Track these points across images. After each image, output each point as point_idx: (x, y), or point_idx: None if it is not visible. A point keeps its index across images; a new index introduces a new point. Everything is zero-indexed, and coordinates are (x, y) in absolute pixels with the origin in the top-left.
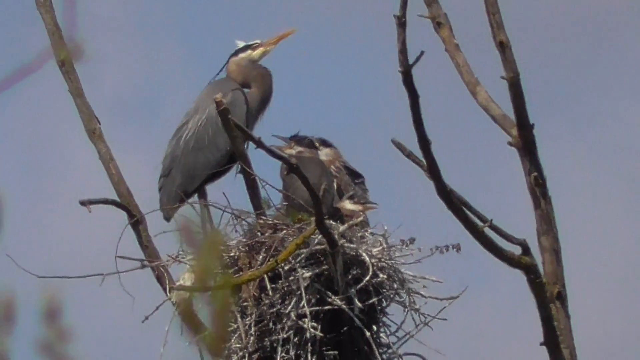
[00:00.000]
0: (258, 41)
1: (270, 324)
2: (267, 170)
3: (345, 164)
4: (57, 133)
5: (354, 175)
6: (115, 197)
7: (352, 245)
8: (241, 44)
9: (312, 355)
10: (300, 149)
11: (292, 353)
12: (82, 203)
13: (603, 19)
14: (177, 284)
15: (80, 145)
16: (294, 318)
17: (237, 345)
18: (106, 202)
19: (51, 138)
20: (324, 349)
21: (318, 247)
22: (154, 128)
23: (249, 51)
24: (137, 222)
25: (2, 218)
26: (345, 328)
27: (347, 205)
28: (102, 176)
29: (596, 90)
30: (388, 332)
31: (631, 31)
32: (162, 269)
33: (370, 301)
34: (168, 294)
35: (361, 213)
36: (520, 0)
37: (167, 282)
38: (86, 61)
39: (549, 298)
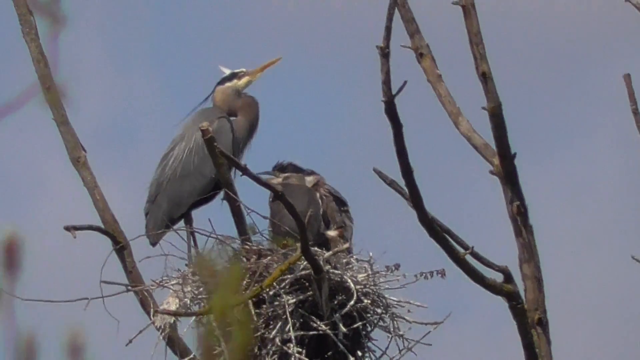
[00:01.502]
0: (243, 69)
1: (255, 349)
2: (254, 196)
3: (331, 190)
4: (41, 160)
5: (340, 202)
6: (100, 224)
7: (337, 272)
8: (227, 71)
9: None
10: (285, 175)
11: None
12: (67, 229)
13: (585, 49)
14: (161, 308)
15: (65, 172)
16: (279, 343)
17: None
18: (91, 228)
19: (35, 165)
20: None
21: (303, 272)
22: (137, 156)
23: (235, 80)
24: (122, 248)
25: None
26: (329, 353)
27: (331, 232)
28: (87, 203)
29: (577, 120)
30: (372, 358)
31: (612, 59)
32: (146, 294)
33: (355, 326)
34: (152, 318)
35: (340, 239)
36: (502, 32)
37: (151, 306)
38: (71, 104)
39: (530, 324)
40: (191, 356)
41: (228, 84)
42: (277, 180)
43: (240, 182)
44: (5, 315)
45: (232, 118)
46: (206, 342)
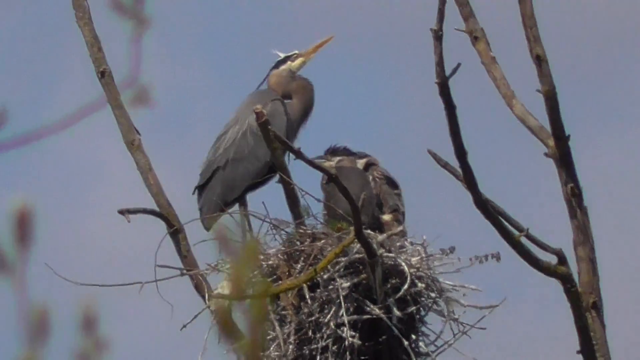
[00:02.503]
0: (296, 51)
1: (309, 333)
2: (308, 179)
3: (384, 172)
4: (96, 143)
5: (392, 185)
6: (155, 207)
7: (390, 255)
8: (281, 55)
9: None
10: (338, 158)
11: None
12: (121, 212)
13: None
14: (215, 292)
15: (119, 155)
16: (333, 327)
17: (276, 353)
18: (145, 211)
19: (89, 148)
20: (363, 357)
21: (357, 256)
22: (191, 139)
23: (289, 62)
24: (176, 231)
25: (33, 229)
26: (383, 337)
27: (385, 216)
28: (141, 187)
29: (632, 102)
30: (427, 342)
31: None
32: (200, 278)
33: (409, 310)
34: (207, 303)
35: (395, 224)
36: (557, 14)
37: (205, 291)
38: (151, 106)
39: (585, 308)
40: (245, 341)
41: (282, 67)
42: (330, 164)
43: (294, 165)
44: (17, 287)
45: (286, 101)
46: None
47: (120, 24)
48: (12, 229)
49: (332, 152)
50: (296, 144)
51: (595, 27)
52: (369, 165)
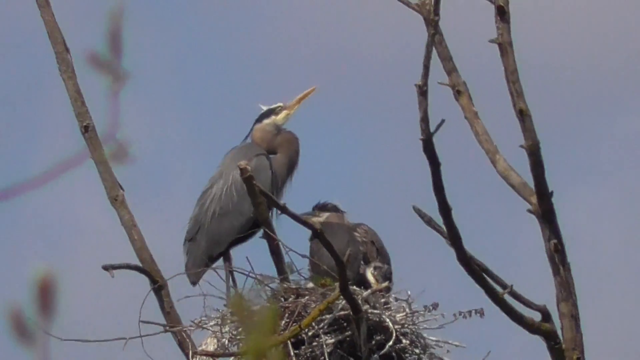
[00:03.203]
0: (280, 104)
1: None
2: (294, 235)
3: (370, 231)
4: (78, 199)
5: (379, 246)
6: (138, 263)
7: (375, 311)
8: (264, 107)
9: None
10: (326, 214)
11: None
12: (105, 268)
13: (623, 86)
14: (199, 349)
15: (102, 210)
16: None
17: None
18: (129, 267)
19: (72, 204)
20: None
21: (342, 312)
22: (173, 194)
23: (273, 116)
24: (159, 287)
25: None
26: None
27: (369, 275)
28: (124, 242)
29: (615, 157)
30: None
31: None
32: (184, 335)
33: None
34: (190, 359)
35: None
36: (540, 69)
37: (189, 348)
38: (130, 162)
39: None
40: None
41: (266, 121)
42: (317, 219)
43: (280, 221)
44: (41, 356)
45: (271, 155)
46: None
47: (99, 79)
48: (35, 299)
49: (321, 208)
50: (282, 199)
51: (577, 82)
52: (357, 226)
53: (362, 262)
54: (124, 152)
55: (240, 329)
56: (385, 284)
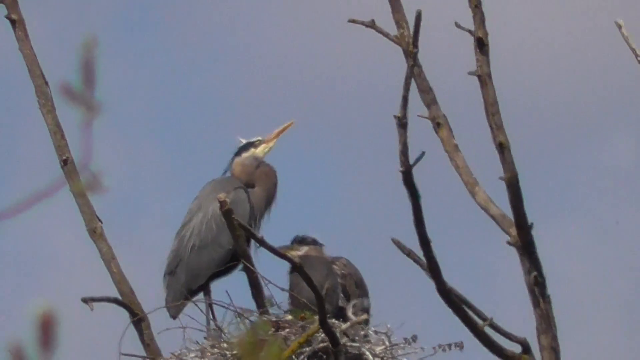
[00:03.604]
0: (259, 138)
1: None
2: (273, 269)
3: (349, 265)
4: (57, 231)
5: (358, 281)
6: (118, 296)
7: (355, 344)
8: (243, 141)
9: None
10: (305, 248)
11: None
12: (85, 301)
13: (601, 116)
14: None
15: (81, 244)
16: None
17: None
18: (108, 300)
19: (50, 236)
20: None
21: (321, 345)
22: (150, 227)
23: (252, 149)
24: (139, 320)
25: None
26: None
27: (349, 313)
28: (103, 275)
29: (594, 189)
30: None
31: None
32: None
33: None
34: None
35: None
36: (520, 101)
37: None
38: (104, 192)
39: None
40: None
41: (245, 154)
42: (296, 253)
43: (260, 254)
44: None
45: (249, 189)
46: None
47: (73, 110)
48: (36, 335)
49: (300, 241)
50: (260, 232)
51: (556, 115)
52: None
53: (341, 295)
54: (98, 183)
55: None
56: (364, 316)
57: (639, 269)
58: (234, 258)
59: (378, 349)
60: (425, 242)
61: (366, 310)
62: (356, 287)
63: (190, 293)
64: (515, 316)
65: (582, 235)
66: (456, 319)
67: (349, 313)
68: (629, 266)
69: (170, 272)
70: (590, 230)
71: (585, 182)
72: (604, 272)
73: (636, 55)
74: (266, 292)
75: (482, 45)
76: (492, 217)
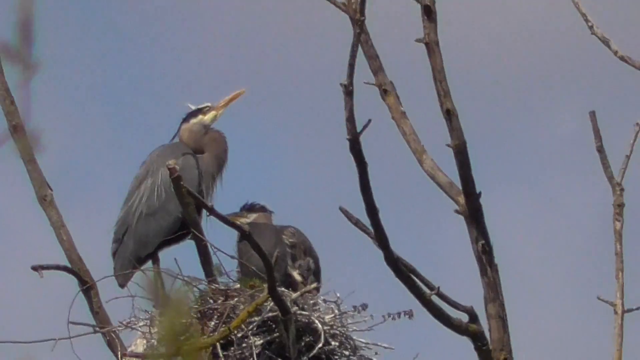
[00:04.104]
0: (209, 104)
1: None
2: (223, 237)
3: (297, 232)
4: (5, 198)
5: (305, 244)
6: (67, 263)
7: (304, 313)
8: (192, 107)
9: None
10: (254, 215)
11: None
12: (34, 268)
13: (549, 84)
14: (129, 350)
15: (31, 210)
16: None
17: None
18: (58, 268)
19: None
20: None
21: (270, 314)
22: (99, 194)
23: (200, 116)
24: (88, 288)
25: None
26: None
27: (296, 276)
28: (52, 243)
29: (542, 157)
30: None
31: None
32: (113, 335)
33: None
34: None
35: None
36: (467, 68)
37: (118, 348)
38: (42, 151)
39: None
40: None
41: (194, 120)
42: (245, 220)
43: (210, 223)
44: None
45: (198, 155)
46: None
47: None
48: None
49: (248, 209)
50: (212, 199)
51: (504, 82)
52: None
53: (289, 263)
54: (37, 142)
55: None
56: (314, 285)
57: (584, 237)
58: (183, 227)
59: (327, 318)
60: (372, 211)
61: (312, 271)
62: (305, 256)
63: (139, 261)
64: (463, 285)
65: (530, 204)
66: (404, 289)
67: (295, 273)
68: (577, 230)
69: (118, 240)
70: (535, 198)
71: (533, 150)
72: (549, 240)
73: (586, 21)
74: (215, 261)
75: (429, 12)
76: (440, 185)
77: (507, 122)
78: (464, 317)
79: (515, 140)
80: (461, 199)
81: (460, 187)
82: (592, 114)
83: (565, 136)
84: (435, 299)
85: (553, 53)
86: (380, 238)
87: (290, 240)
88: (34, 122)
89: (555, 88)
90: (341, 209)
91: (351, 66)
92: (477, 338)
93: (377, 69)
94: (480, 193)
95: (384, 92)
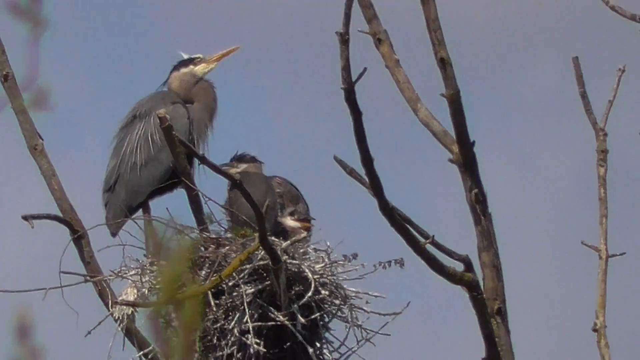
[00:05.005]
0: (200, 55)
1: (214, 340)
2: (214, 186)
3: (284, 180)
4: None
5: (294, 191)
6: (58, 213)
7: (294, 262)
8: (184, 56)
9: None
10: (244, 165)
11: None
12: (25, 218)
13: (539, 32)
14: (120, 299)
15: (21, 160)
16: (237, 334)
17: None
18: (49, 217)
19: None
20: None
21: (261, 262)
22: (89, 141)
23: (191, 66)
24: (79, 237)
25: None
26: (288, 344)
27: (288, 221)
28: (41, 191)
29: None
30: (331, 349)
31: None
32: (104, 284)
33: (313, 317)
34: (110, 309)
35: (301, 230)
36: (461, 17)
37: (109, 297)
38: (50, 109)
39: (490, 314)
40: (149, 348)
41: (184, 70)
42: (235, 170)
43: (200, 172)
44: None
45: (188, 105)
46: (164, 334)
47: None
48: None
49: (239, 159)
50: (204, 149)
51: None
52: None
53: (279, 212)
54: (44, 99)
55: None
56: (304, 234)
57: (568, 183)
58: (174, 176)
59: (318, 267)
60: (367, 160)
61: (301, 213)
62: (292, 204)
63: (130, 210)
64: (457, 234)
65: (525, 152)
66: (397, 238)
67: (288, 221)
68: (558, 182)
69: (109, 189)
70: (519, 148)
71: (514, 100)
72: (533, 188)
73: None
74: (206, 210)
75: None
76: (434, 134)
77: (493, 73)
78: (459, 267)
79: (499, 90)
80: (455, 148)
81: (454, 136)
82: (575, 60)
83: (549, 86)
84: (430, 248)
85: (542, 3)
86: (375, 187)
87: (277, 190)
88: (41, 79)
89: (545, 35)
90: (335, 159)
91: (347, 15)
92: (472, 287)
93: (371, 17)
94: (474, 142)
95: (378, 41)
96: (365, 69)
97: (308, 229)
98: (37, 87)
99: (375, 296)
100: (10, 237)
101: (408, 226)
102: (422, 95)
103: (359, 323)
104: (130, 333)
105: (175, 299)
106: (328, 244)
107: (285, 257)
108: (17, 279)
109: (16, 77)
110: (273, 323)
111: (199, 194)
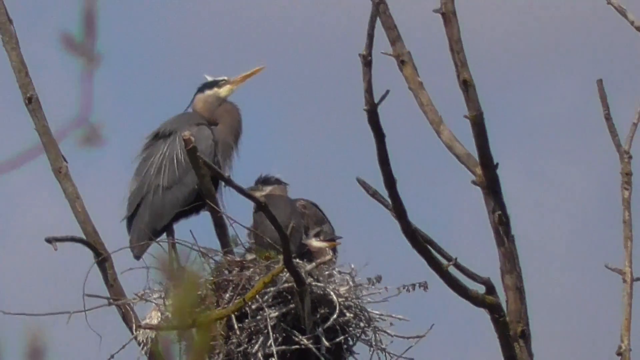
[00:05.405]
0: (225, 77)
1: None
2: (239, 208)
3: (309, 201)
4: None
5: (318, 212)
6: (82, 235)
7: (319, 284)
8: (209, 78)
9: None
10: (269, 187)
11: None
12: (48, 240)
13: (564, 54)
14: (144, 322)
15: (46, 183)
16: (261, 357)
17: None
18: (72, 239)
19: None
20: None
21: (285, 285)
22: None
23: (215, 88)
24: (103, 260)
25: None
26: None
27: (314, 242)
28: (67, 215)
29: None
30: None
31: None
32: (128, 308)
33: (337, 340)
34: (134, 332)
35: (328, 250)
36: (484, 39)
37: (133, 321)
38: (102, 144)
39: (512, 337)
40: None
41: (208, 92)
42: (260, 193)
43: (226, 194)
44: None
45: (212, 127)
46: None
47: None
48: None
49: (264, 181)
50: (229, 171)
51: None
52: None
53: (303, 235)
54: (97, 135)
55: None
56: (329, 256)
57: (593, 206)
58: (199, 198)
59: (342, 289)
60: (390, 182)
61: (327, 233)
62: (316, 226)
63: (155, 233)
64: (480, 257)
65: (548, 173)
66: (420, 260)
67: (314, 242)
68: (591, 200)
69: (133, 212)
70: (542, 170)
71: (537, 121)
72: (557, 210)
73: None
74: (231, 232)
75: None
76: (457, 156)
77: (515, 92)
78: (481, 289)
79: (522, 111)
80: (478, 170)
81: (477, 158)
82: (600, 82)
83: (572, 107)
84: (452, 270)
85: (570, 20)
86: (398, 209)
87: (303, 211)
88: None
89: (570, 57)
90: (358, 180)
91: (370, 36)
92: (494, 309)
93: (394, 39)
94: (497, 164)
95: (402, 63)
96: (387, 91)
97: (334, 248)
98: (90, 123)
99: (399, 319)
100: (34, 259)
101: (430, 248)
102: (446, 116)
103: (383, 346)
104: (154, 356)
105: (198, 323)
106: (352, 266)
107: (310, 279)
108: (41, 302)
109: (45, 102)
110: (297, 347)
111: (224, 216)
